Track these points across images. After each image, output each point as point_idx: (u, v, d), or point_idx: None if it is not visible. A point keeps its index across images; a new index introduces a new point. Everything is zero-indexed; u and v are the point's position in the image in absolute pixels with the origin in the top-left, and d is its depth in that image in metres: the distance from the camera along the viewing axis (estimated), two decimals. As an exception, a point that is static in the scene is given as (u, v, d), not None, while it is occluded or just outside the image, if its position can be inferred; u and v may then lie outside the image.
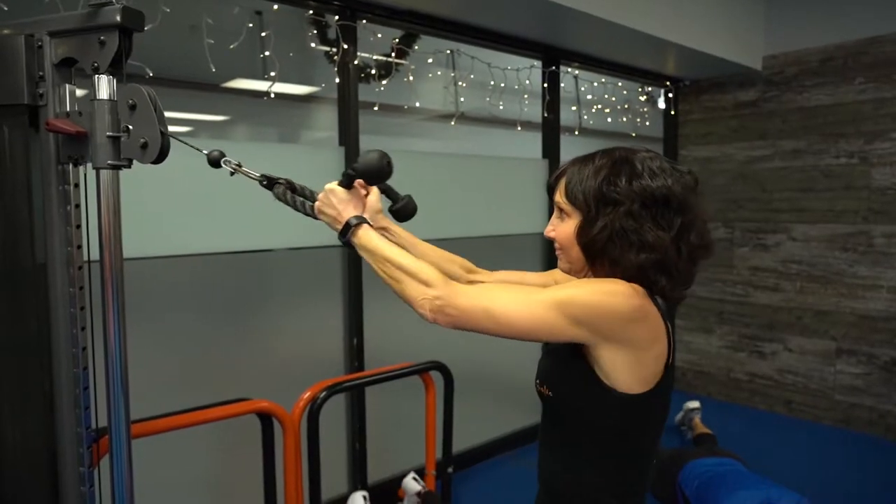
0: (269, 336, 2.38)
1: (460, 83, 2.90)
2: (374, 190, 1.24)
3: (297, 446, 1.99)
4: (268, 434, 1.96)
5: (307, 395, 2.05)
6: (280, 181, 1.22)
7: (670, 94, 4.22)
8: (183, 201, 2.08)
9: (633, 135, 4.02)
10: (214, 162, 1.21)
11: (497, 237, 3.11)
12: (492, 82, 3.03)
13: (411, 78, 2.73)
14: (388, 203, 1.26)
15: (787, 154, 3.84)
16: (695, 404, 3.43)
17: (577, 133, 3.55)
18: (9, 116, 1.14)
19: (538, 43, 3.20)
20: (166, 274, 2.13)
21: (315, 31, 2.45)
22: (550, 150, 3.40)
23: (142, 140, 1.10)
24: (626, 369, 0.92)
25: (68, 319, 1.18)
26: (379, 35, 2.57)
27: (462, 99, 2.92)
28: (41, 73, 1.14)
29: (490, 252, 3.08)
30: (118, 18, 1.07)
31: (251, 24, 2.22)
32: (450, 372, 2.42)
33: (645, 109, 4.13)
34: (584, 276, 1.03)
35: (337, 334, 2.55)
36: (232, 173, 1.19)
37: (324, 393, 2.05)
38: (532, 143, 3.38)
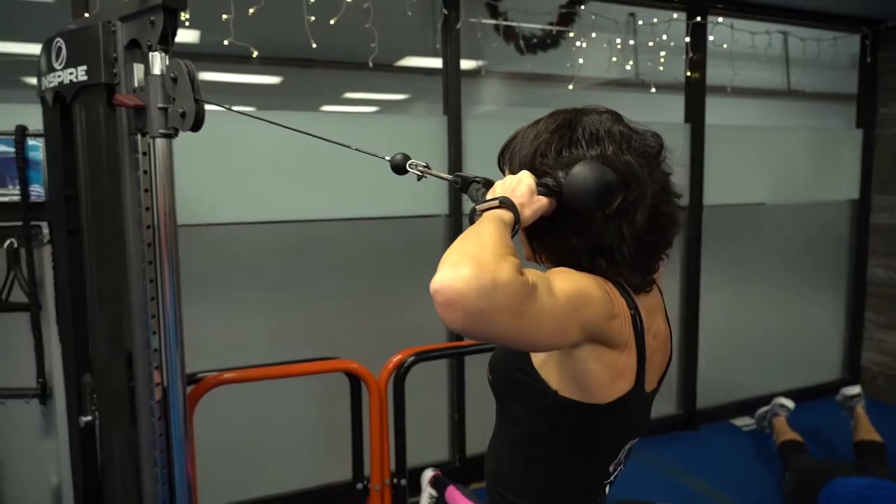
0: (377, 302, 2.50)
1: (580, 43, 2.69)
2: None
3: (383, 408, 2.06)
4: (356, 394, 2.06)
5: (395, 359, 2.10)
6: (477, 179, 0.97)
7: (867, 41, 3.47)
8: (292, 170, 2.24)
9: (807, 90, 3.39)
10: (398, 167, 1.04)
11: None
12: (618, 40, 2.77)
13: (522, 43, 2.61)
14: None
15: None
16: (855, 389, 2.77)
17: (729, 91, 3.09)
18: (92, 95, 1.31)
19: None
20: (279, 239, 2.33)
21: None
22: (694, 113, 3.02)
23: (181, 110, 1.19)
24: (599, 372, 0.77)
25: (141, 273, 1.34)
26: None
27: (582, 61, 2.71)
28: (115, 55, 1.29)
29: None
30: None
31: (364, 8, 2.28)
32: (550, 350, 2.31)
33: (828, 59, 3.44)
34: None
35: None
36: (419, 177, 1.04)
37: (411, 358, 2.09)
38: (673, 107, 3.04)
